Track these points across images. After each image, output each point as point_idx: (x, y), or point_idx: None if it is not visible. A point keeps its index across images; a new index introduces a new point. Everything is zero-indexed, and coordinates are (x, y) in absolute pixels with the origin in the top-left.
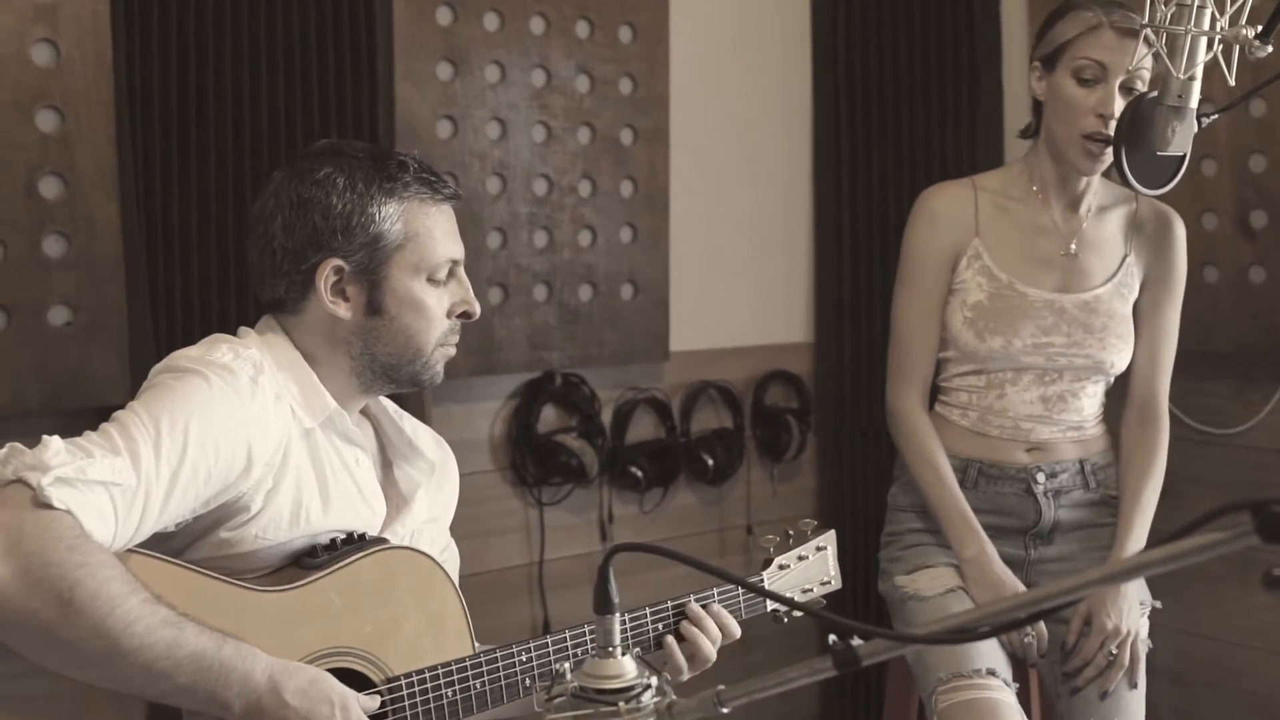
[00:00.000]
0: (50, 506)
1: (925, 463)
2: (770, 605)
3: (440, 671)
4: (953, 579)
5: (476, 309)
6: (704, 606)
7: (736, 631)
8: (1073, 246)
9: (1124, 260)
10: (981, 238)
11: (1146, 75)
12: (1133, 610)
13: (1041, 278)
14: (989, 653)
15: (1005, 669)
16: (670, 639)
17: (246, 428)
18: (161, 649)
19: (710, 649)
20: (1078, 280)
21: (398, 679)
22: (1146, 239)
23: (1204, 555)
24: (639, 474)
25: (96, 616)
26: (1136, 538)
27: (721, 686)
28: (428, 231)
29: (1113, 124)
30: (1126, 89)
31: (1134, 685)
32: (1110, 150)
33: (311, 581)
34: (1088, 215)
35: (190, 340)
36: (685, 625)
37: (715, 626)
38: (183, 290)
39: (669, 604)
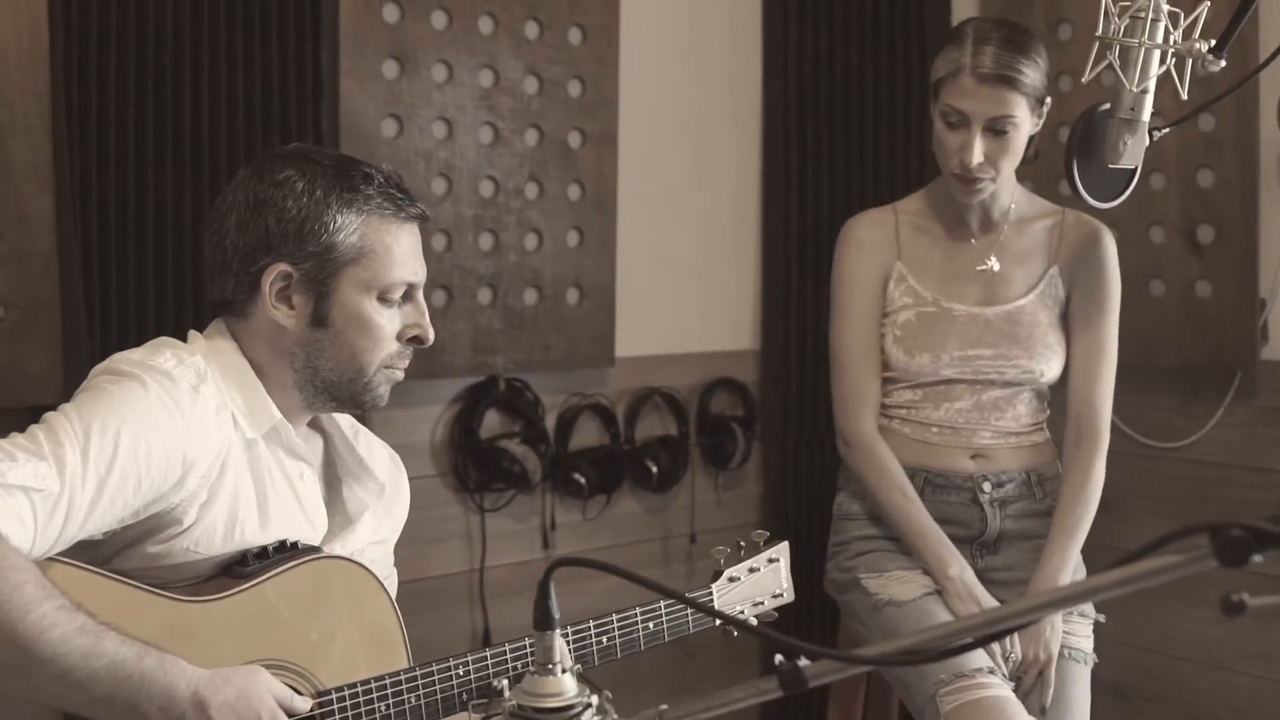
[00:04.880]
0: None
1: (895, 488)
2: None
3: (374, 686)
4: (923, 584)
5: (430, 335)
6: None
7: None
8: (991, 260)
9: (1046, 271)
10: (904, 260)
11: (1019, 120)
12: (1055, 634)
13: (964, 292)
14: (982, 653)
15: (1000, 669)
16: None
17: (182, 437)
18: (77, 658)
19: None
20: (1000, 291)
21: (328, 693)
22: (1070, 251)
23: (1161, 578)
24: (582, 481)
25: (8, 622)
26: (1059, 560)
27: (664, 706)
28: (385, 249)
29: (981, 167)
30: (995, 131)
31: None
32: (987, 184)
33: (241, 591)
34: (1004, 227)
35: (125, 339)
36: None
37: None
38: (118, 287)
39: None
